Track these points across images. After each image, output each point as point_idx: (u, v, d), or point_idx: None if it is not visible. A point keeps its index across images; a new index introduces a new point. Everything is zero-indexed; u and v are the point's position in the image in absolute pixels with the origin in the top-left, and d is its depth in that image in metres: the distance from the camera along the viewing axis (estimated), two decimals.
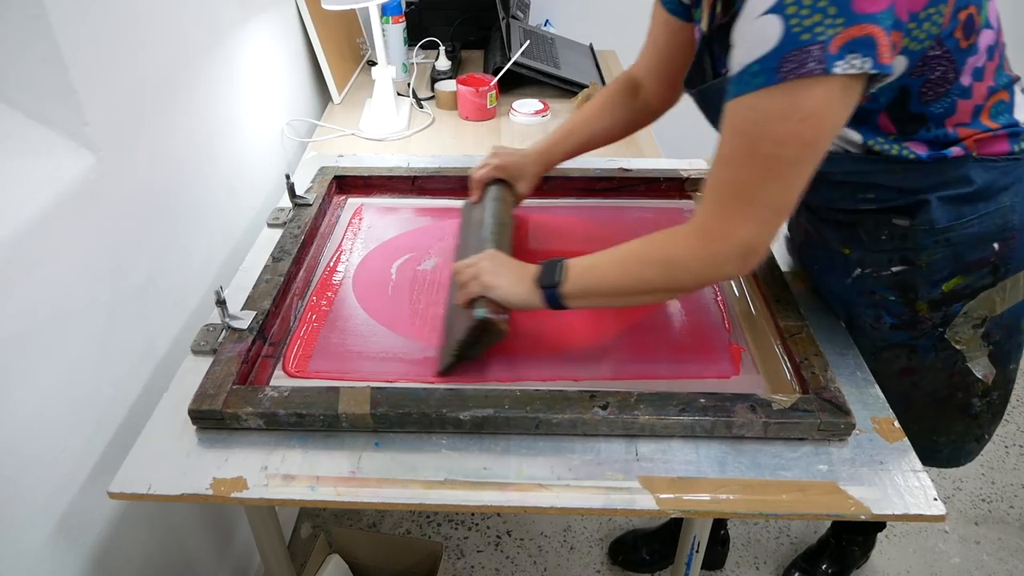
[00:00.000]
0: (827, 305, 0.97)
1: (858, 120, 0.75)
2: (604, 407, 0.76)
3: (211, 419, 0.77)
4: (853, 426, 0.76)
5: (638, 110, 1.05)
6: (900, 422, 0.81)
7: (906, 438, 0.78)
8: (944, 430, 1.00)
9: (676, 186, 1.21)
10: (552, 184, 1.20)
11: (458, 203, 1.19)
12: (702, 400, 0.78)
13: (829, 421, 0.75)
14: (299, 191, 1.14)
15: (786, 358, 0.87)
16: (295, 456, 0.76)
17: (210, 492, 0.73)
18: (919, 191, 0.81)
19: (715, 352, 0.90)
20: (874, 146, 0.78)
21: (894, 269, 0.87)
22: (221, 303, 0.86)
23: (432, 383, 0.85)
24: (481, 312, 0.80)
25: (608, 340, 0.92)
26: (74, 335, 0.82)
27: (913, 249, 0.84)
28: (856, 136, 0.78)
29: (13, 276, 0.72)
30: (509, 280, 0.83)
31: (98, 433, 0.87)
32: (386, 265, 1.05)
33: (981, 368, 0.92)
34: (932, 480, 0.74)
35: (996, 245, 0.83)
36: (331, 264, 1.06)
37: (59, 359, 0.79)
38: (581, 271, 0.81)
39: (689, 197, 1.21)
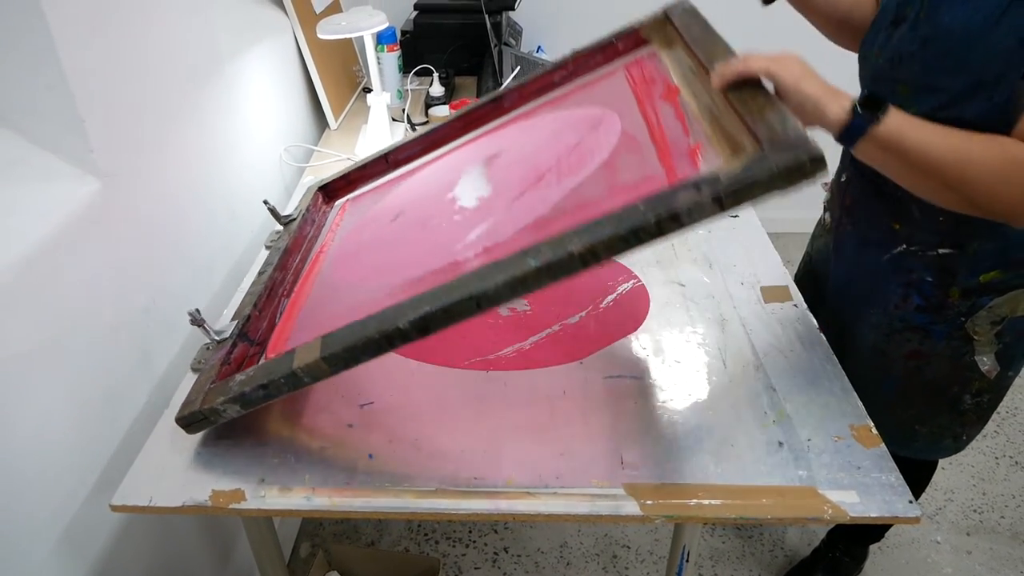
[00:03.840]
0: (850, 293, 1.00)
1: None
2: (536, 255, 0.67)
3: (195, 421, 0.79)
4: (822, 162, 0.61)
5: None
6: (890, 406, 0.84)
7: (883, 444, 0.81)
8: (929, 420, 1.04)
9: (634, 39, 1.06)
10: (510, 98, 1.14)
11: (431, 156, 1.19)
12: (640, 206, 0.66)
13: (787, 165, 0.62)
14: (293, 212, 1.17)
15: (745, 129, 0.73)
16: (291, 468, 0.79)
17: (209, 504, 0.75)
18: None
19: (676, 161, 0.78)
20: None
21: (940, 251, 0.90)
22: (198, 323, 0.88)
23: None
24: None
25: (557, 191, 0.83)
26: (79, 354, 0.85)
27: (967, 235, 0.88)
28: None
29: (21, 297, 0.75)
30: (820, 86, 0.74)
31: (101, 449, 0.90)
32: (360, 236, 1.05)
33: (987, 363, 0.96)
34: (924, 492, 0.76)
35: None
36: (315, 259, 1.07)
37: (64, 377, 0.82)
38: (905, 123, 0.74)
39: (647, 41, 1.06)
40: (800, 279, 1.21)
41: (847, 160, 1.05)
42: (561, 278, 0.68)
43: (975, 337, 0.94)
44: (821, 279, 1.00)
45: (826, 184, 1.15)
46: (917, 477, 1.26)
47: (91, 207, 0.85)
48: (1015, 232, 0.86)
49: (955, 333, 0.95)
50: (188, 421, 0.80)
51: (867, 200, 0.99)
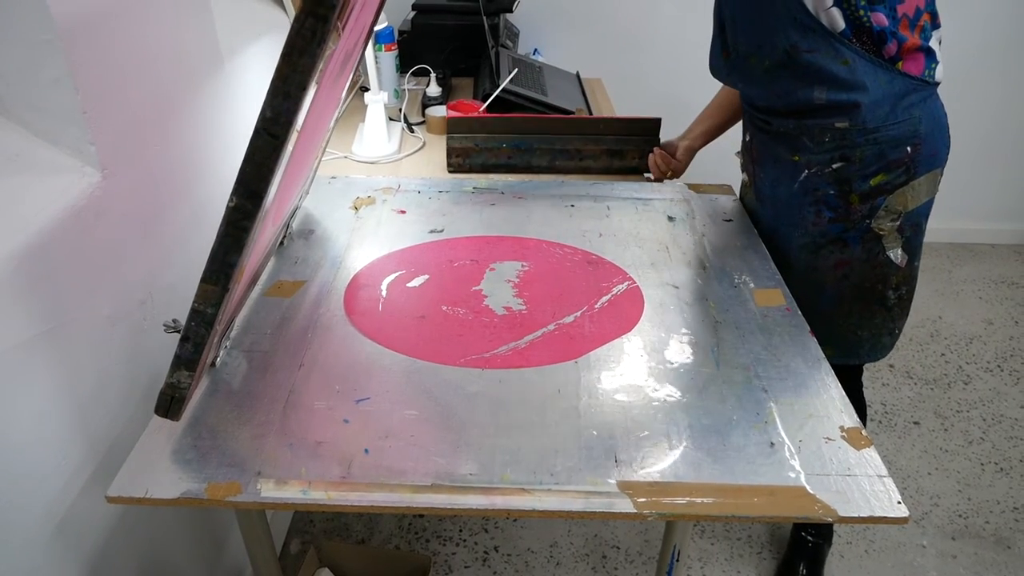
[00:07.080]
0: (777, 226, 1.22)
1: None
2: None
3: (164, 403, 0.78)
4: None
5: None
6: (832, 319, 1.14)
7: (872, 447, 0.82)
8: (866, 323, 1.22)
9: None
10: None
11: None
12: None
13: None
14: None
15: None
16: (287, 462, 0.79)
17: (205, 496, 0.75)
18: (856, 88, 1.05)
19: None
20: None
21: (834, 166, 1.12)
22: (175, 331, 0.85)
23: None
24: None
25: None
26: (76, 346, 0.85)
27: (850, 147, 1.09)
28: None
29: (20, 288, 0.75)
30: None
31: (97, 441, 0.90)
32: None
33: (898, 256, 1.16)
34: (911, 497, 0.78)
35: (909, 148, 1.09)
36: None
37: (61, 369, 0.82)
38: None
39: None
40: None
41: (748, 124, 1.27)
42: None
43: (882, 233, 1.14)
44: (755, 226, 1.25)
45: (739, 153, 1.35)
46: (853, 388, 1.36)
47: (90, 200, 0.85)
48: (884, 137, 1.07)
49: (866, 236, 1.14)
50: (160, 406, 0.79)
51: (768, 148, 1.20)
